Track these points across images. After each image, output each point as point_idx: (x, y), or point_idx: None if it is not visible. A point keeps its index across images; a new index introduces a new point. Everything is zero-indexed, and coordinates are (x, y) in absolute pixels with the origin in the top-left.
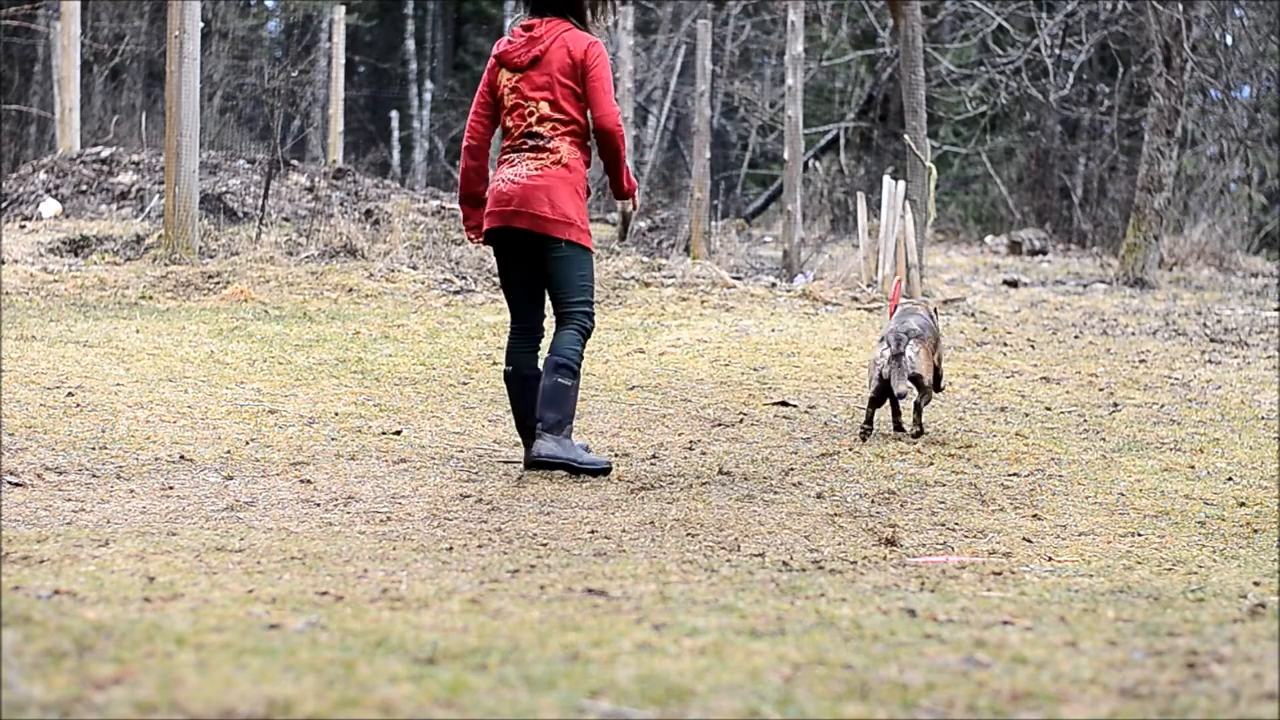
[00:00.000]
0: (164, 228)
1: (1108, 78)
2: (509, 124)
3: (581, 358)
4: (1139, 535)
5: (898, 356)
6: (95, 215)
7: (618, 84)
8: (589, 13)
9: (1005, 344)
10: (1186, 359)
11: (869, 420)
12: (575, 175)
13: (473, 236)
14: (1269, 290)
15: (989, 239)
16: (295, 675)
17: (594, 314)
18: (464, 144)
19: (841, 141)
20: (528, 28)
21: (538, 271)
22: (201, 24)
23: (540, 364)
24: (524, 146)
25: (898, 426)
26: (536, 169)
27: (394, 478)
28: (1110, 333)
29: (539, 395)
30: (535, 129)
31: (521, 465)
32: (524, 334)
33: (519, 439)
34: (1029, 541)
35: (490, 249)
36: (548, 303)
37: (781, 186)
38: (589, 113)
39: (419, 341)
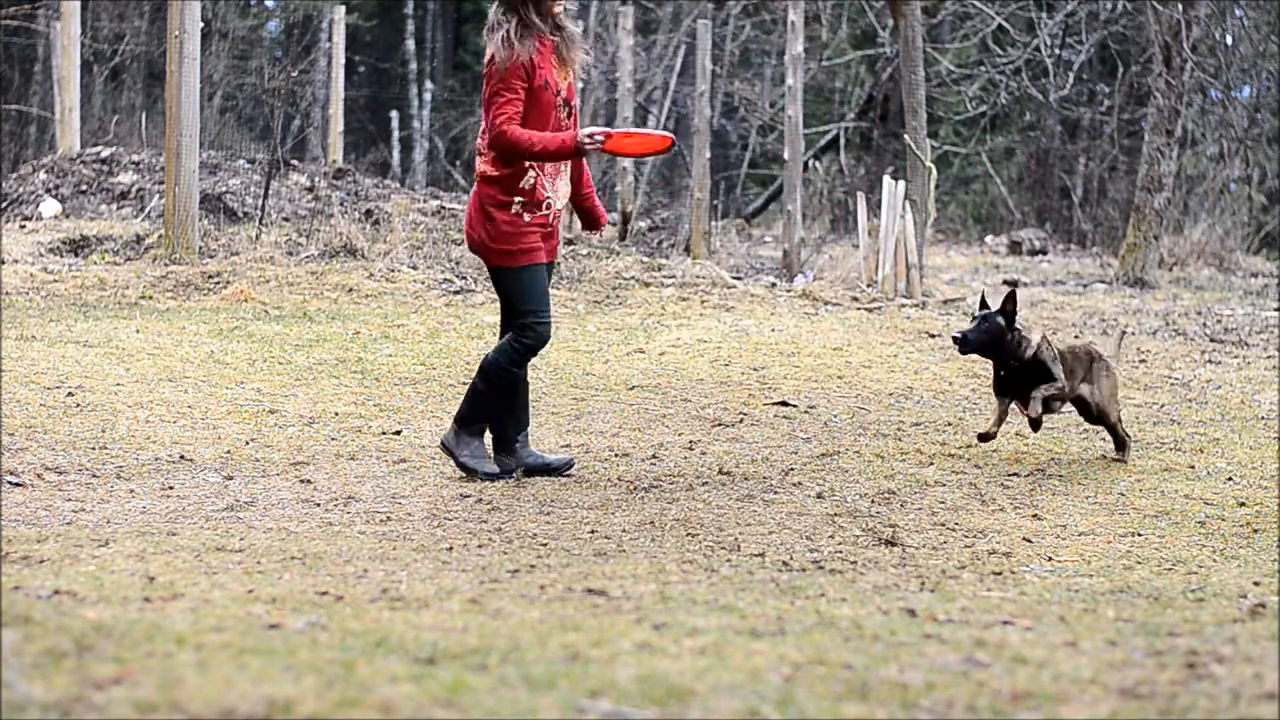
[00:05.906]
0: (164, 228)
1: (1108, 78)
2: None
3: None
4: (1139, 535)
5: None
6: (95, 215)
7: (617, 84)
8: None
9: None
10: (1186, 359)
11: None
12: (484, 190)
13: None
14: (1269, 290)
15: (989, 239)
16: (295, 675)
17: (538, 324)
18: None
19: (841, 141)
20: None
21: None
22: (201, 24)
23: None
24: None
25: None
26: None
27: (394, 478)
28: (1110, 333)
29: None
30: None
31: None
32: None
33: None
34: (1029, 541)
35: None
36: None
37: (781, 186)
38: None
39: (419, 341)
